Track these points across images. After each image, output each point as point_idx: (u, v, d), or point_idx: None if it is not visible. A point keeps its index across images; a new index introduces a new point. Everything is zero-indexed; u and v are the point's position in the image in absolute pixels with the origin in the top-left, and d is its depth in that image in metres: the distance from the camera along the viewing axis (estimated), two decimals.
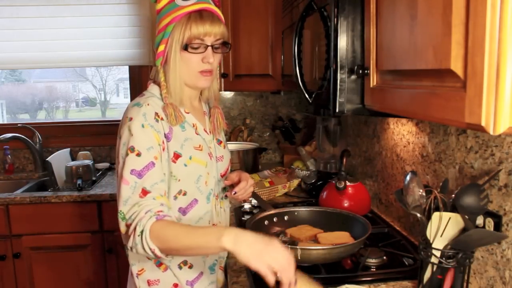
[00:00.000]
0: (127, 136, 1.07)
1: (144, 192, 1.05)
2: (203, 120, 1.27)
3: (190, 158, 1.16)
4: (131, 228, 1.00)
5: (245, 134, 2.77)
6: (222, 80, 2.41)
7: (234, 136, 2.77)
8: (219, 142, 1.31)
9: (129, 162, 1.05)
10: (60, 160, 2.53)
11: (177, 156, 1.14)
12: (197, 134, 1.21)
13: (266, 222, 1.46)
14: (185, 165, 1.15)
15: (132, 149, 1.06)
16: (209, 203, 1.22)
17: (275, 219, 1.49)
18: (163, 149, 1.11)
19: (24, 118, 3.54)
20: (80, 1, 2.63)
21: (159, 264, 1.18)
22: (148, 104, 1.11)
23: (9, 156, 2.69)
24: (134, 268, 1.19)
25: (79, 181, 2.29)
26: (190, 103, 1.23)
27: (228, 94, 2.84)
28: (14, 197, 2.19)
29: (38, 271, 2.26)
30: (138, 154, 1.06)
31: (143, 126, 1.08)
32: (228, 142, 2.44)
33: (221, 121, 1.30)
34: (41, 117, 3.59)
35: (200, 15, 1.10)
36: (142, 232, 0.97)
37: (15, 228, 2.21)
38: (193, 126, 1.21)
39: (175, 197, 1.16)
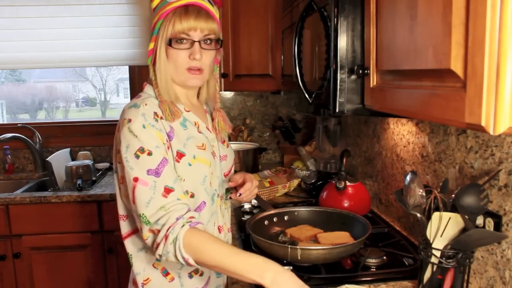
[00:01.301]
0: (130, 138, 1.03)
1: (167, 190, 1.01)
2: (205, 118, 1.23)
3: (194, 157, 1.12)
4: (161, 235, 0.97)
5: (245, 134, 2.77)
6: (222, 80, 2.40)
7: (234, 136, 2.77)
8: (222, 141, 1.27)
9: (143, 163, 1.01)
10: (60, 160, 2.53)
11: (180, 155, 1.10)
12: (200, 132, 1.17)
13: (266, 222, 1.46)
14: (190, 165, 1.11)
15: (142, 150, 1.02)
16: (213, 204, 1.19)
17: (275, 219, 1.49)
18: (168, 148, 1.07)
19: (24, 118, 3.55)
20: (80, 1, 2.63)
21: (165, 273, 1.15)
22: (146, 104, 1.07)
23: (9, 156, 2.69)
24: (139, 278, 1.15)
25: (79, 181, 2.29)
26: (189, 101, 1.19)
27: (228, 94, 2.84)
28: (14, 197, 2.19)
29: (38, 271, 2.26)
30: (150, 153, 1.02)
31: (144, 126, 1.04)
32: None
33: (223, 126, 1.25)
34: (41, 117, 3.60)
35: (186, 10, 1.07)
36: (174, 240, 0.95)
37: (15, 228, 2.21)
38: (195, 124, 1.17)
39: None
